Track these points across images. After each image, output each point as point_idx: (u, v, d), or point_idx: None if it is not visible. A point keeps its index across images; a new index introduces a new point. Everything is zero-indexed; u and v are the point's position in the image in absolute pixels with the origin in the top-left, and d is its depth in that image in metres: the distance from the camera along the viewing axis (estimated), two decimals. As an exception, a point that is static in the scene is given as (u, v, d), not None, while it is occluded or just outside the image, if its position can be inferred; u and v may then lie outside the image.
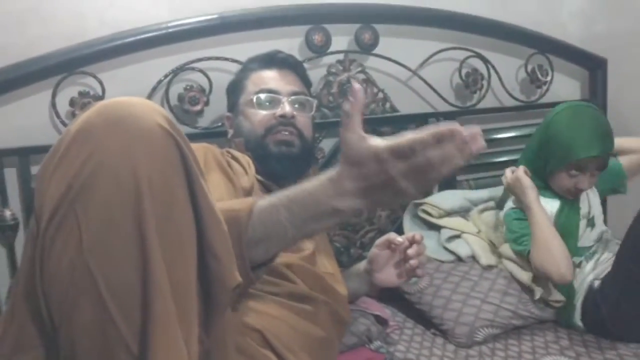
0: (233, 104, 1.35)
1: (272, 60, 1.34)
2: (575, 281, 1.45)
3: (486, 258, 1.54)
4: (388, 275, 1.27)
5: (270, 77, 1.30)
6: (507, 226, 1.54)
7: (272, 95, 1.27)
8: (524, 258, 1.48)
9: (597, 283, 1.45)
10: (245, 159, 1.21)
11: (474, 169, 1.92)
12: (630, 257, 1.36)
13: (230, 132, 1.35)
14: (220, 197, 0.98)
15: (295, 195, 0.75)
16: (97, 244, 0.61)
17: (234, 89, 1.36)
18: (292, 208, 0.74)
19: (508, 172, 1.56)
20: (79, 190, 0.62)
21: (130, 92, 1.46)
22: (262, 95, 1.27)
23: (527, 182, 1.49)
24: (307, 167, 1.31)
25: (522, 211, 1.51)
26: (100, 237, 0.61)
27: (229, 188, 1.08)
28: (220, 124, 1.56)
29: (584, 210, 1.55)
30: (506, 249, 1.54)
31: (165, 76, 1.53)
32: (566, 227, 1.48)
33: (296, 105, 1.28)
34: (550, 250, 1.39)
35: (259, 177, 1.19)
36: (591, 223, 1.55)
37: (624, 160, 1.66)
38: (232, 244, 0.72)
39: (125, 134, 0.63)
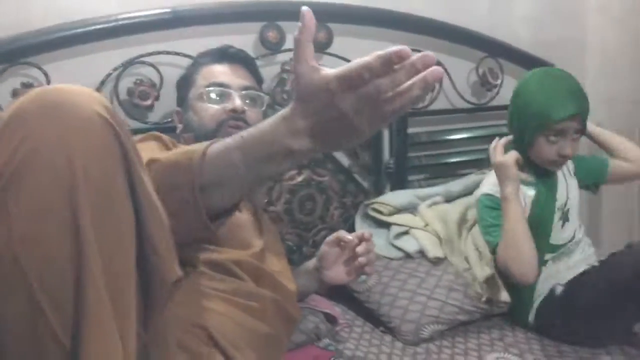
0: (182, 98, 1.33)
1: (223, 54, 1.32)
2: (538, 280, 1.42)
3: (433, 251, 1.56)
4: (337, 273, 1.28)
5: (221, 72, 1.28)
6: (479, 212, 1.50)
7: (223, 89, 1.25)
8: (489, 249, 1.46)
9: (559, 289, 1.43)
10: None
11: (426, 169, 1.95)
12: (606, 286, 1.32)
13: (180, 127, 1.33)
14: None
15: (249, 135, 0.72)
16: (28, 234, 0.59)
17: (184, 84, 1.34)
18: (245, 148, 0.72)
19: (498, 147, 1.50)
20: (10, 178, 0.59)
21: (79, 85, 1.45)
22: (213, 89, 1.25)
23: (511, 173, 1.41)
24: None
25: (496, 198, 1.45)
26: (32, 227, 0.59)
27: None
28: (170, 119, 1.54)
29: (560, 201, 1.49)
30: (466, 244, 1.55)
31: (115, 69, 1.49)
32: (540, 219, 1.43)
33: (247, 101, 1.26)
34: (519, 249, 1.36)
35: None
36: (565, 217, 1.50)
37: (612, 163, 1.62)
38: (186, 193, 0.71)
39: (61, 121, 0.61)
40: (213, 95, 1.24)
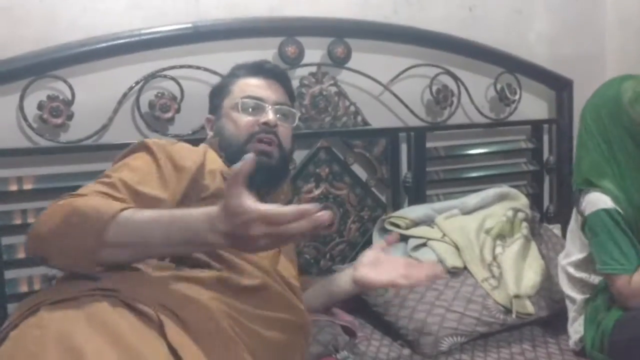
0: (216, 106, 1.36)
1: (259, 68, 1.36)
2: None
3: (451, 260, 1.55)
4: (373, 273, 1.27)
5: (257, 85, 1.32)
6: (595, 230, 1.32)
7: (258, 102, 1.28)
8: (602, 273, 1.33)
9: None
10: (216, 162, 1.21)
11: (444, 184, 1.95)
12: None
13: (210, 134, 1.35)
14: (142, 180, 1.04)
15: (175, 219, 0.88)
16: None
17: (219, 92, 1.37)
18: (169, 231, 0.87)
19: None
20: None
21: (100, 98, 1.49)
22: (248, 101, 1.28)
23: None
24: (282, 179, 1.32)
25: (619, 215, 1.30)
26: None
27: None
28: (190, 131, 1.56)
29: None
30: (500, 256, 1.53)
31: (137, 83, 1.52)
32: None
33: (279, 115, 1.29)
34: None
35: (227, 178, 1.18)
36: None
37: None
38: (86, 241, 0.87)
39: None
40: (248, 107, 1.28)
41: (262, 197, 1.27)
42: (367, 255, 1.31)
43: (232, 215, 0.80)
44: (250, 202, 0.80)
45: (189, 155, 1.14)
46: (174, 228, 0.87)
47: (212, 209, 0.84)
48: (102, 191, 0.98)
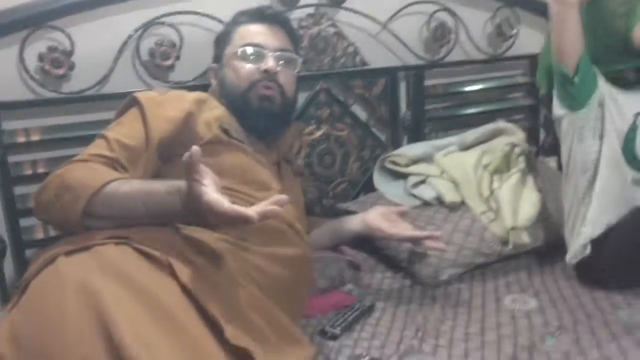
0: (219, 55, 1.36)
1: (261, 15, 1.34)
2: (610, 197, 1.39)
3: (450, 196, 1.61)
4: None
5: (258, 32, 1.31)
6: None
7: (258, 49, 1.28)
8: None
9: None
10: (216, 111, 1.23)
11: (442, 121, 1.98)
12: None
13: (214, 82, 1.37)
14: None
15: (152, 192, 0.96)
16: None
17: (221, 41, 1.37)
18: (148, 203, 0.96)
19: None
20: None
21: (100, 47, 1.50)
22: (248, 49, 1.28)
23: None
24: (286, 123, 1.35)
25: None
26: None
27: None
28: (191, 78, 1.58)
29: None
30: (497, 190, 1.60)
31: (136, 31, 1.52)
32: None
33: (281, 62, 1.29)
34: None
35: (225, 127, 1.21)
36: None
37: None
38: (72, 215, 0.95)
39: None
40: (248, 55, 1.28)
41: (268, 142, 1.31)
42: (381, 209, 1.42)
43: (193, 198, 0.89)
44: (204, 192, 0.87)
45: (176, 104, 1.17)
46: (152, 202, 0.96)
47: (182, 186, 0.92)
48: (99, 153, 1.06)
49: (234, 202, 1.08)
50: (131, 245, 0.91)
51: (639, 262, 1.36)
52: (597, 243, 1.41)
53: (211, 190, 0.87)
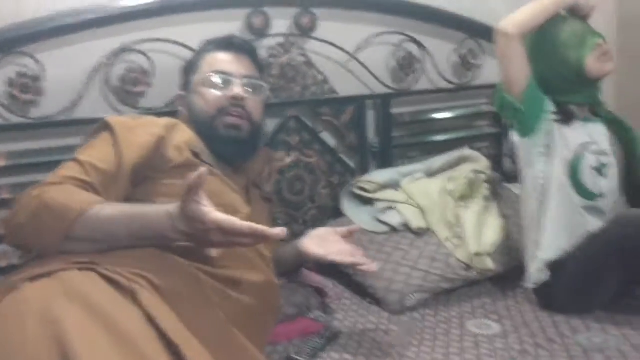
0: (186, 83, 1.38)
1: (228, 44, 1.36)
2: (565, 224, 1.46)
3: (416, 222, 1.64)
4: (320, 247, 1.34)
5: (225, 60, 1.33)
6: None
7: (225, 76, 1.30)
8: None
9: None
10: (185, 135, 1.25)
11: (410, 148, 2.02)
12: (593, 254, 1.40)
13: (181, 110, 1.38)
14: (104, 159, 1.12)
15: (136, 216, 0.98)
16: None
17: (189, 69, 1.38)
18: (131, 227, 0.97)
19: None
20: None
21: (70, 73, 1.50)
22: (215, 76, 1.30)
23: None
24: (254, 150, 1.37)
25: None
26: None
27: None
28: (162, 105, 1.59)
29: (596, 146, 1.49)
30: (461, 217, 1.64)
31: (106, 57, 1.54)
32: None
33: (248, 89, 1.31)
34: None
35: (196, 152, 1.22)
36: (600, 169, 1.49)
37: None
38: (53, 238, 0.95)
39: None
40: (216, 82, 1.30)
41: (237, 167, 1.32)
42: (319, 230, 1.38)
43: (192, 220, 0.91)
44: (208, 211, 0.90)
45: (148, 129, 1.18)
46: (136, 225, 0.97)
47: (172, 210, 0.94)
48: (74, 176, 1.06)
49: None
50: (96, 270, 0.91)
51: (593, 287, 1.41)
52: (554, 268, 1.45)
53: (214, 210, 0.90)
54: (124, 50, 1.55)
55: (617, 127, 1.57)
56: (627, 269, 1.37)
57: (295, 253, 1.37)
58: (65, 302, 0.83)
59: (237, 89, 1.28)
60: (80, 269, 0.91)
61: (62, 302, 0.83)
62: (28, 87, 1.45)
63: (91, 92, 1.54)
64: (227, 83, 1.30)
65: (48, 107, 1.49)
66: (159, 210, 0.96)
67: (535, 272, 1.48)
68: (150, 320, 0.85)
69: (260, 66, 1.41)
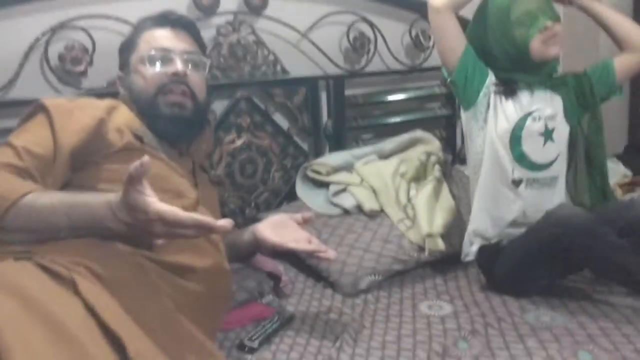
0: (125, 62, 1.31)
1: (165, 19, 1.29)
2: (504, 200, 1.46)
3: (369, 204, 1.64)
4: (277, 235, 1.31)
5: (163, 36, 1.26)
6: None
7: (165, 53, 1.24)
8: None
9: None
10: (126, 117, 1.20)
11: (363, 130, 2.01)
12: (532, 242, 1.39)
13: (122, 90, 1.32)
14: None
15: (76, 205, 0.93)
16: None
17: (126, 48, 1.31)
18: (71, 215, 0.92)
19: None
20: None
21: (5, 50, 1.41)
22: (154, 53, 1.23)
23: None
24: (200, 129, 1.32)
25: None
26: None
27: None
28: (105, 84, 1.52)
29: (543, 112, 1.46)
30: (414, 198, 1.65)
31: (44, 34, 1.45)
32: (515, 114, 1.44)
33: (189, 65, 1.26)
34: None
35: (138, 134, 1.17)
36: (548, 135, 1.46)
37: (615, 62, 1.53)
38: None
39: None
40: (155, 59, 1.23)
41: (182, 150, 1.28)
42: (275, 216, 1.34)
43: (133, 209, 0.86)
44: (151, 202, 0.85)
45: (87, 111, 1.13)
46: (75, 213, 0.92)
47: (113, 198, 0.89)
48: (8, 162, 1.01)
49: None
50: (33, 260, 0.86)
51: (527, 275, 1.43)
52: (496, 251, 1.48)
53: (157, 200, 0.85)
54: (63, 26, 1.47)
55: (572, 82, 1.53)
56: (558, 263, 1.39)
57: (251, 238, 1.33)
58: None
59: (178, 65, 1.22)
60: (16, 259, 0.86)
61: None
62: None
63: (28, 71, 1.45)
64: (166, 60, 1.23)
65: None
66: (100, 198, 0.91)
67: (466, 244, 1.51)
68: (91, 310, 0.82)
69: (201, 42, 1.35)
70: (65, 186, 1.06)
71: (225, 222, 0.85)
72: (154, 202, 0.85)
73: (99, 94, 1.47)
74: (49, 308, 0.78)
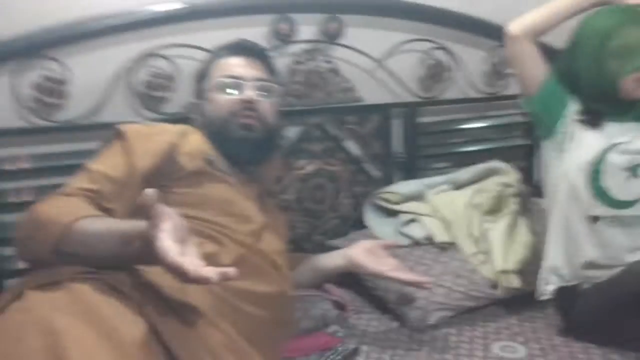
0: (199, 89, 1.38)
1: (238, 48, 1.37)
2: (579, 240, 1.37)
3: (441, 236, 1.60)
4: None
5: (236, 64, 1.33)
6: None
7: (236, 80, 1.30)
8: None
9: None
10: (198, 142, 1.24)
11: (436, 159, 1.97)
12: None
13: (196, 117, 1.37)
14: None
15: (115, 233, 0.90)
16: None
17: (201, 76, 1.39)
18: (110, 244, 0.90)
19: None
20: None
21: (95, 77, 1.50)
22: (226, 80, 1.30)
23: None
24: (268, 152, 1.35)
25: None
26: None
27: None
28: (185, 110, 1.58)
29: (629, 145, 1.35)
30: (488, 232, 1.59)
31: (131, 62, 1.53)
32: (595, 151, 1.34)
33: (260, 91, 1.30)
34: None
35: (208, 159, 1.22)
36: (634, 170, 1.35)
37: None
38: (46, 247, 0.92)
39: None
40: (227, 87, 1.29)
41: (251, 174, 1.30)
42: (366, 243, 1.39)
43: (151, 245, 0.83)
44: (164, 250, 0.79)
45: (161, 136, 1.20)
46: (114, 243, 0.90)
47: (142, 228, 0.85)
48: (80, 187, 1.07)
49: (212, 236, 1.09)
50: (103, 281, 0.89)
51: (612, 326, 1.32)
52: (574, 294, 1.39)
53: (166, 236, 0.80)
54: (149, 55, 1.55)
55: None
56: None
57: (340, 264, 1.38)
58: (67, 313, 0.82)
59: (248, 93, 1.28)
60: (86, 279, 0.89)
61: (64, 312, 0.82)
62: (53, 90, 1.46)
63: (115, 96, 1.54)
64: (238, 87, 1.29)
65: (73, 110, 1.49)
66: (134, 228, 0.88)
67: (541, 282, 1.42)
68: (156, 333, 0.84)
69: (273, 68, 1.41)
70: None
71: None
72: (161, 238, 0.80)
73: (177, 119, 1.53)
74: (116, 328, 0.81)
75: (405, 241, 1.61)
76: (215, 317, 0.96)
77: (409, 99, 1.89)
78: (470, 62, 1.98)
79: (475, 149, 2.00)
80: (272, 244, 1.21)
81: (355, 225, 1.81)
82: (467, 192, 1.71)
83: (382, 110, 1.84)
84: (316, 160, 1.77)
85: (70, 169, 1.35)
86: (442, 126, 1.97)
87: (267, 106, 1.31)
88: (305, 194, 1.75)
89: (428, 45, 1.89)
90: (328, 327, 1.37)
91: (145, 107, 1.57)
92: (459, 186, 1.77)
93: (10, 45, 1.41)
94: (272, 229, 1.25)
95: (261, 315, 1.07)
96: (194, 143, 1.22)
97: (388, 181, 1.86)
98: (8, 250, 1.42)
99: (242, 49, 1.36)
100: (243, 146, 1.27)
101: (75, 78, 1.48)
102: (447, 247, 1.59)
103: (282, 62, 1.66)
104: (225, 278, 0.80)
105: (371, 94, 1.83)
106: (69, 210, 0.97)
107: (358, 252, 1.36)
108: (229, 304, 1.01)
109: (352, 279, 1.54)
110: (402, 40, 1.85)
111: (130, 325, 0.83)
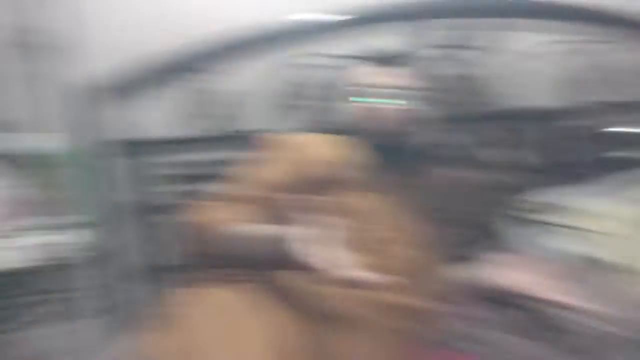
0: (340, 98, 1.40)
1: (381, 56, 1.38)
2: None
3: (608, 254, 1.45)
4: None
5: (376, 73, 1.34)
6: None
7: (375, 89, 1.32)
8: None
9: None
10: (339, 151, 1.29)
11: (587, 166, 1.82)
12: None
13: (341, 124, 1.39)
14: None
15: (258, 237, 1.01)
16: None
17: (342, 84, 1.41)
18: (255, 248, 1.04)
19: None
20: None
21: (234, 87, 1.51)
22: (366, 89, 1.33)
23: None
24: (408, 160, 1.36)
25: None
26: None
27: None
28: (338, 120, 1.57)
29: None
30: None
31: (276, 73, 1.56)
32: None
33: (401, 100, 1.31)
34: None
35: (348, 167, 1.26)
36: None
37: None
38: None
39: None
40: (367, 95, 1.32)
41: (392, 182, 1.32)
42: (507, 257, 1.37)
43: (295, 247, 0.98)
44: (324, 257, 0.92)
45: (308, 146, 1.26)
46: (257, 246, 1.02)
47: (279, 233, 1.00)
48: (231, 195, 1.16)
49: (358, 243, 1.10)
50: (239, 284, 1.00)
51: None
52: None
53: (325, 244, 0.92)
54: (297, 65, 1.56)
55: None
56: None
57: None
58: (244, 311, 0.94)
59: (393, 102, 1.30)
60: (255, 283, 1.00)
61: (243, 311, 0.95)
62: (205, 101, 1.51)
63: (260, 106, 1.56)
64: (377, 95, 1.32)
65: (229, 120, 1.57)
66: (274, 232, 1.01)
67: None
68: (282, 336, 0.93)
69: (414, 75, 1.39)
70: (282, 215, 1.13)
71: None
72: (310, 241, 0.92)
73: (317, 128, 1.53)
74: (246, 331, 0.91)
75: (564, 258, 1.49)
76: (359, 325, 1.02)
77: (557, 104, 1.77)
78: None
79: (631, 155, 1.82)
80: (405, 254, 1.23)
81: (497, 235, 1.71)
82: (635, 206, 1.54)
83: (527, 115, 1.73)
84: (456, 167, 1.69)
85: (216, 177, 1.40)
86: (591, 131, 1.82)
87: (407, 114, 1.32)
88: (445, 202, 1.68)
89: (581, 47, 1.75)
90: (463, 342, 1.30)
91: (284, 117, 1.57)
92: (624, 198, 1.61)
93: (173, 60, 1.46)
94: (409, 239, 1.26)
95: (395, 326, 1.10)
96: (334, 152, 1.26)
97: (532, 190, 1.74)
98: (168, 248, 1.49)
99: (385, 58, 1.38)
100: (384, 153, 1.30)
101: (226, 89, 1.53)
102: (612, 267, 1.44)
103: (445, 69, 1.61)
104: (384, 286, 0.89)
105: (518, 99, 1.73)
106: (226, 217, 1.07)
107: (518, 274, 1.29)
108: (370, 312, 1.06)
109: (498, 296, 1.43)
110: (558, 42, 1.73)
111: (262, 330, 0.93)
